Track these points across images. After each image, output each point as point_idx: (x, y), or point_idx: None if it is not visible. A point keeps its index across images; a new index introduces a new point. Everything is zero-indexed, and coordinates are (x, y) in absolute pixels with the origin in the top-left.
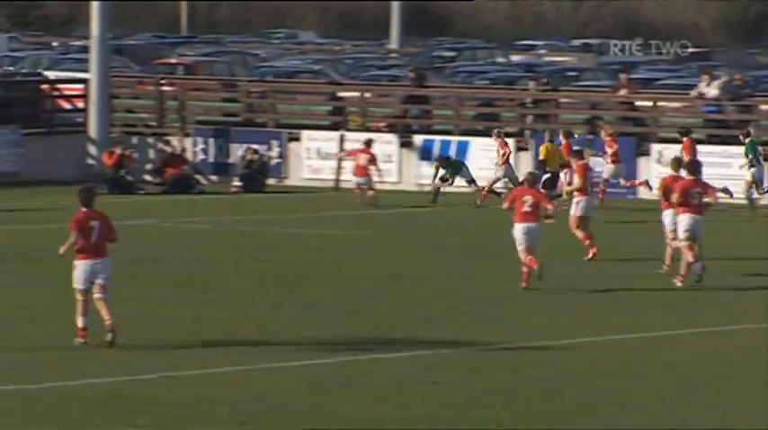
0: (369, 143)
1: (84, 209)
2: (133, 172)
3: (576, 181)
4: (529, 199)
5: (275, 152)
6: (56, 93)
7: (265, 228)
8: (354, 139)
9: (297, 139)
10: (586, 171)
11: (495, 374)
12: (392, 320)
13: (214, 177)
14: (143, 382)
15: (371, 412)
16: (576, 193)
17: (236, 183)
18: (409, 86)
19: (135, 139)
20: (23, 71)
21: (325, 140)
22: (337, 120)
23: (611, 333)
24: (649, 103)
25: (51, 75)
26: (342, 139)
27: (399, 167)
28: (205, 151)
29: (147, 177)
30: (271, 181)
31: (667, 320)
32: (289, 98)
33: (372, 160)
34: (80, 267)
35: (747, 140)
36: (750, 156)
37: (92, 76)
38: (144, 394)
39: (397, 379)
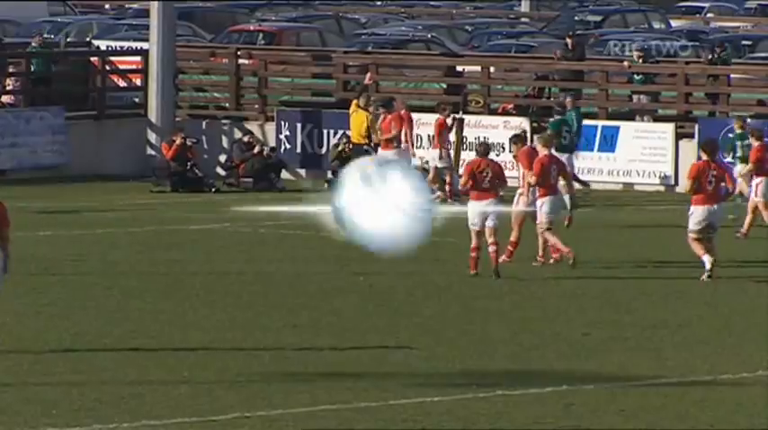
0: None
1: None
2: (203, 164)
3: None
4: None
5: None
6: (108, 67)
7: None
8: (476, 125)
9: None
10: (543, 165)
11: (653, 415)
12: (520, 347)
13: (302, 171)
14: (215, 425)
15: None
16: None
17: (329, 177)
18: (565, 58)
19: (204, 124)
20: (68, 40)
21: None
22: (455, 100)
23: None
24: None
25: (102, 45)
26: (460, 124)
27: None
28: (290, 139)
29: (220, 171)
30: None
31: None
32: (395, 74)
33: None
34: None
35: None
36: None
37: (152, 46)
38: None
39: (528, 421)
